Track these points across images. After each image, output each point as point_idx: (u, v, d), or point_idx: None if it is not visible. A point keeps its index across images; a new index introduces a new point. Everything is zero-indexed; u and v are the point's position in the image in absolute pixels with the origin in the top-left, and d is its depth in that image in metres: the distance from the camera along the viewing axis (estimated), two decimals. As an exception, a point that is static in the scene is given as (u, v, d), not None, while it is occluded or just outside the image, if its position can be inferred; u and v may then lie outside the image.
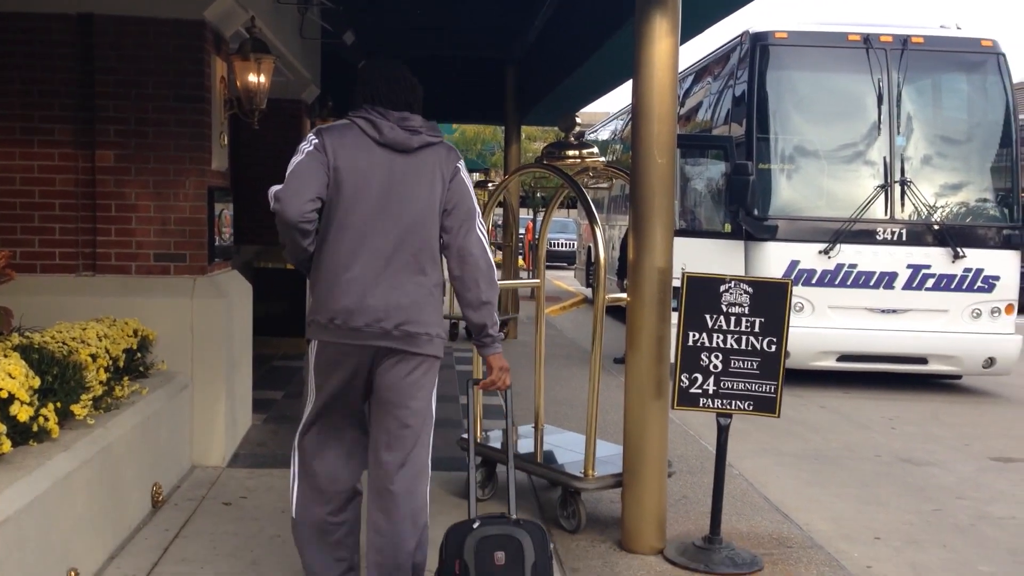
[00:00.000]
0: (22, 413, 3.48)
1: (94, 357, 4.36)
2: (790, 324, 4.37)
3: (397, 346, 3.25)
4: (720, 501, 4.43)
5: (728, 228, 9.68)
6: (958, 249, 9.07)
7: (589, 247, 17.18)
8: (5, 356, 3.65)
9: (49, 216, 5.46)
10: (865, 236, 9.13)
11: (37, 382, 3.66)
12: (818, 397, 8.96)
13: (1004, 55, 9.62)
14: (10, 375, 3.48)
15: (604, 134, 19.05)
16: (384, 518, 3.32)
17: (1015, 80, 10.08)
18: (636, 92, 4.42)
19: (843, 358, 9.28)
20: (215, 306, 5.51)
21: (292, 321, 8.91)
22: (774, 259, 9.12)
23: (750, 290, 4.36)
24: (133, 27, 5.43)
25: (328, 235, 3.26)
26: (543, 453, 5.17)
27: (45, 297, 5.20)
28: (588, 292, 17.97)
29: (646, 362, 4.40)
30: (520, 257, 18.06)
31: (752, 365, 4.36)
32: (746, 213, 9.19)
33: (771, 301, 4.34)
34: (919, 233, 9.20)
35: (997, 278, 9.14)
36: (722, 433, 4.41)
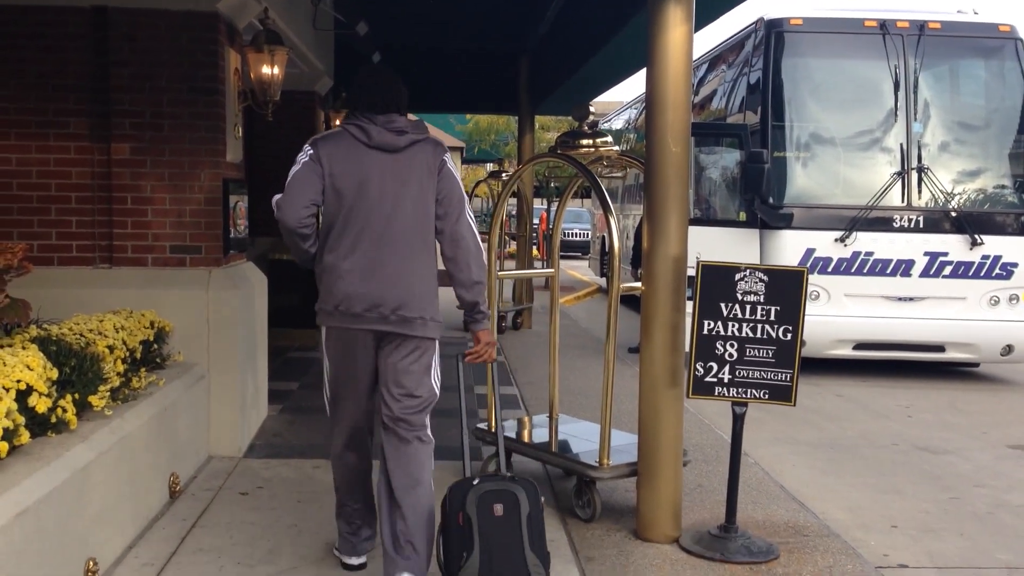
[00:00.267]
0: (40, 404, 3.51)
1: (111, 349, 4.39)
2: (806, 312, 4.35)
3: (395, 330, 3.58)
4: (736, 490, 4.43)
5: (743, 217, 9.63)
6: (976, 236, 9.00)
7: (603, 237, 17.16)
8: (23, 348, 3.69)
9: (66, 209, 5.50)
10: (881, 224, 9.07)
11: (55, 373, 3.69)
12: (834, 386, 8.93)
13: (1022, 40, 9.54)
14: (28, 367, 3.51)
15: (618, 123, 18.99)
16: (395, 442, 3.66)
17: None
18: (650, 81, 4.40)
19: (859, 346, 9.23)
20: (231, 298, 5.54)
21: (307, 312, 8.81)
22: (790, 247, 9.08)
23: (765, 278, 4.35)
24: (147, 19, 5.44)
25: (330, 233, 3.62)
26: (558, 442, 5.17)
27: (62, 289, 5.23)
28: (602, 282, 17.95)
29: (661, 351, 4.39)
30: (534, 247, 18.06)
31: (768, 354, 4.34)
32: (761, 201, 9.14)
33: (787, 289, 4.33)
34: (936, 220, 9.14)
35: (1015, 265, 9.07)
36: (737, 422, 4.40)
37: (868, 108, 9.45)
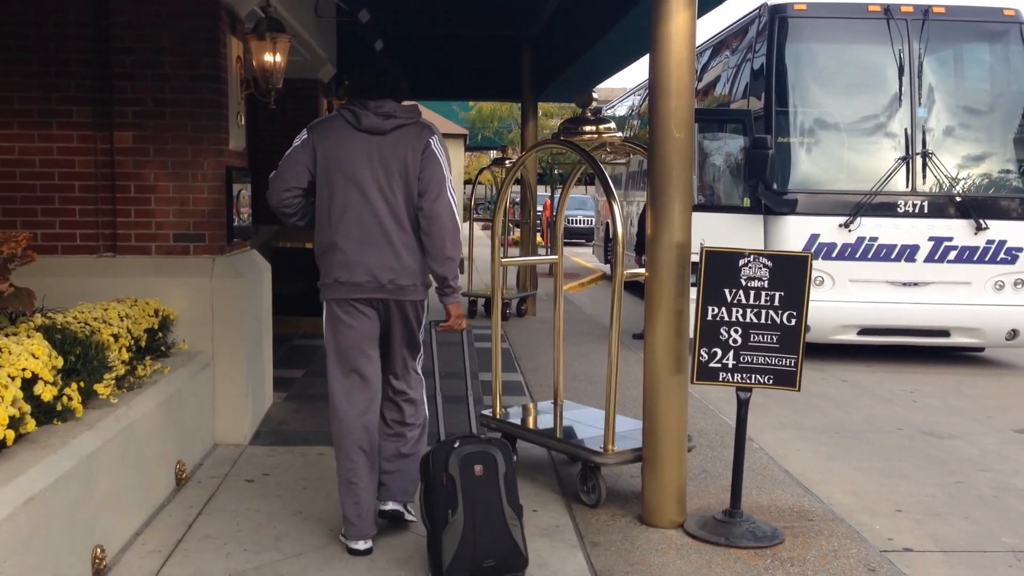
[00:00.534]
0: (46, 393, 3.52)
1: (116, 337, 4.40)
2: (810, 298, 4.34)
3: (393, 297, 3.98)
4: (740, 475, 4.43)
5: (747, 202, 9.61)
6: (980, 221, 8.98)
7: (607, 223, 17.13)
8: (28, 337, 3.69)
9: (69, 198, 5.49)
10: (886, 209, 9.05)
11: (60, 362, 3.70)
12: (839, 371, 8.93)
13: (1026, 24, 9.49)
14: (33, 355, 3.51)
15: (621, 110, 18.93)
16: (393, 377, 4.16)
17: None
18: (653, 67, 4.39)
19: (864, 331, 9.22)
20: (235, 286, 5.54)
21: (311, 300, 8.86)
22: (794, 233, 9.06)
23: (769, 264, 4.34)
24: (148, 7, 5.43)
25: (324, 209, 3.97)
26: (563, 428, 5.18)
27: (67, 278, 5.24)
28: (606, 268, 17.94)
29: (665, 337, 4.39)
30: (538, 234, 18.04)
31: (772, 339, 4.34)
32: (765, 187, 9.12)
33: (791, 275, 4.32)
34: (941, 205, 9.11)
35: (1020, 249, 9.05)
36: (742, 407, 4.40)
37: (872, 93, 9.42)
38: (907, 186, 9.14)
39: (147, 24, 5.45)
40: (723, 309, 4.38)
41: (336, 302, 4.00)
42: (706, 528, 4.37)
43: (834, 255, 9.03)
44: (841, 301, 9.05)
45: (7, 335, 3.73)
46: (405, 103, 4.03)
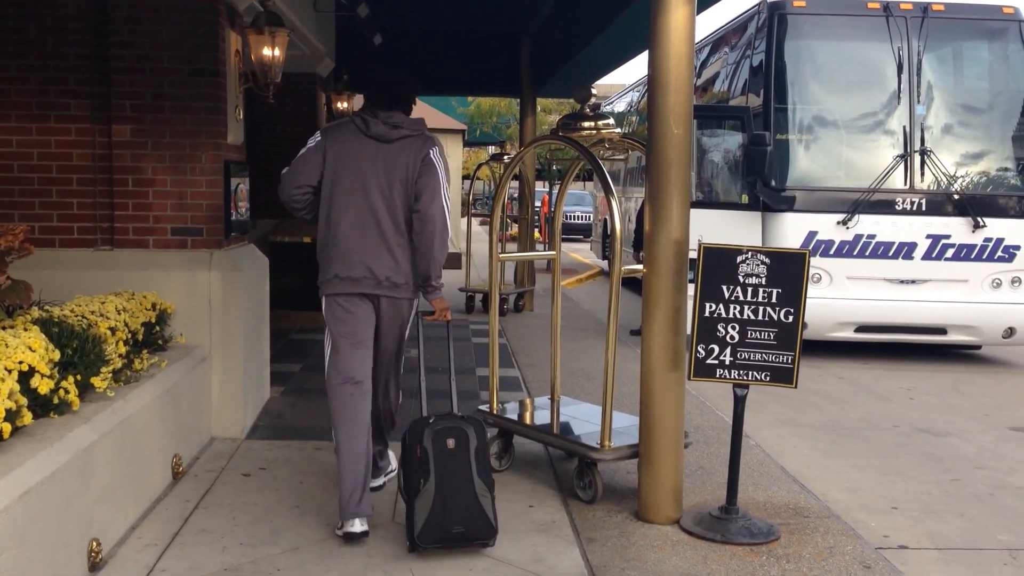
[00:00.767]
0: (43, 386, 3.52)
1: (113, 330, 4.40)
2: (808, 295, 4.35)
3: (388, 293, 4.22)
4: (737, 471, 4.44)
5: (745, 199, 9.61)
6: (978, 219, 8.99)
7: (605, 219, 17.15)
8: (25, 330, 3.69)
9: (67, 191, 5.49)
10: (884, 206, 9.05)
11: (57, 355, 3.70)
12: (836, 368, 8.94)
13: (1025, 22, 9.49)
14: (30, 348, 3.51)
15: (620, 106, 18.93)
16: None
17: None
18: (652, 63, 4.38)
19: (861, 329, 9.23)
20: (232, 279, 5.54)
21: (309, 294, 8.86)
22: (792, 230, 9.06)
23: (767, 261, 4.34)
24: (147, 1, 5.42)
25: (328, 208, 4.20)
26: (560, 424, 5.18)
27: (64, 271, 5.23)
28: (604, 264, 17.95)
29: (662, 333, 4.39)
30: (536, 230, 18.04)
31: (769, 336, 4.34)
32: (763, 184, 9.12)
33: (788, 272, 4.32)
34: (939, 203, 9.12)
35: (1018, 247, 9.06)
36: (739, 404, 4.41)
37: (871, 91, 9.42)
38: (905, 184, 9.15)
39: (146, 18, 5.44)
40: (721, 306, 4.38)
41: (335, 296, 4.21)
42: (702, 524, 4.38)
43: (832, 252, 9.03)
44: (839, 298, 9.06)
45: (4, 328, 3.72)
46: (412, 117, 4.33)
